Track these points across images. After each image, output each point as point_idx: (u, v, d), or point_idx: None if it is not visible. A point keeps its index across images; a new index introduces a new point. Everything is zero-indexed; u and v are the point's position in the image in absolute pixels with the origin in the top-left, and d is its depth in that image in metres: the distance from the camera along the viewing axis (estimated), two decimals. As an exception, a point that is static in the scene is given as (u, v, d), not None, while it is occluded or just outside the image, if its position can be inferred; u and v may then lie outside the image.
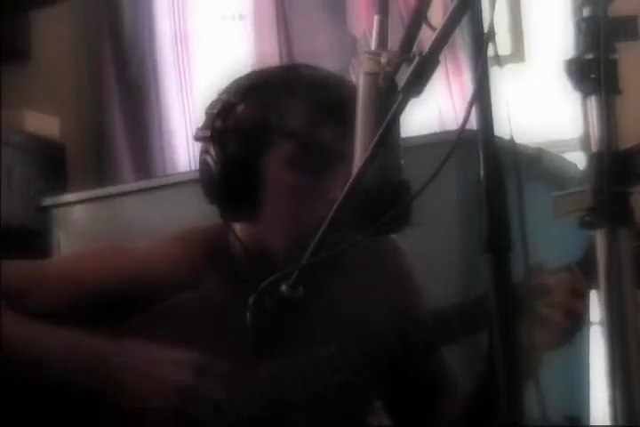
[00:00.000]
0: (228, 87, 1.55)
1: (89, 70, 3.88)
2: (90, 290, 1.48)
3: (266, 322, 1.25)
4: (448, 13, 1.07)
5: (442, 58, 1.09)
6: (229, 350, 1.42)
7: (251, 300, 1.24)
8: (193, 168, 3.47)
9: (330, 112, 1.46)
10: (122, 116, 3.77)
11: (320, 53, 3.35)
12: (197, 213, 1.54)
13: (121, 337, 1.44)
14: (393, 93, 1.11)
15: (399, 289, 1.64)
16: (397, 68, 1.11)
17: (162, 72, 3.74)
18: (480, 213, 1.00)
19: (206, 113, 1.53)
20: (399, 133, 1.14)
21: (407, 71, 1.08)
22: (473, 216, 1.01)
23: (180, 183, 2.87)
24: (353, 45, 3.42)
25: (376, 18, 1.19)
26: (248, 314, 1.25)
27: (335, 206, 1.14)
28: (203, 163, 1.52)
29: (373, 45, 1.18)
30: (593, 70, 1.04)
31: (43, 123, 3.76)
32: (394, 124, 1.10)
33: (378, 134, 1.09)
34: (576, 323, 1.44)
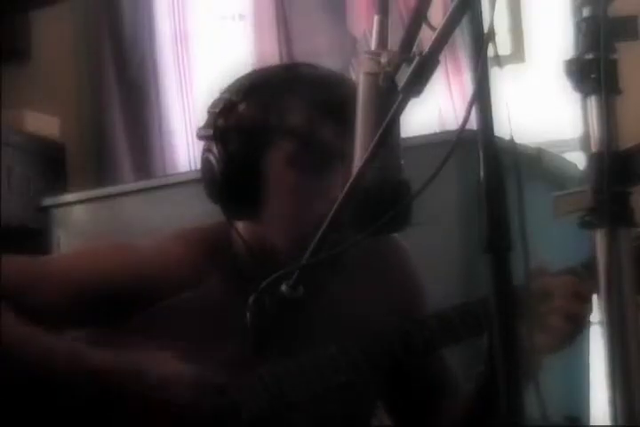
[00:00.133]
0: (229, 86, 1.55)
1: (89, 70, 3.88)
2: (90, 287, 1.48)
3: (266, 322, 1.25)
4: (448, 13, 1.07)
5: (442, 58, 1.09)
6: (230, 350, 1.43)
7: (251, 299, 1.24)
8: (193, 168, 3.48)
9: (330, 111, 1.46)
10: (122, 116, 3.77)
11: (320, 53, 3.35)
12: (197, 213, 1.54)
13: (122, 339, 1.44)
14: (393, 93, 1.11)
15: (400, 289, 1.64)
16: (397, 68, 1.11)
17: (162, 72, 3.74)
18: (480, 213, 1.00)
19: (208, 112, 1.53)
20: (399, 133, 1.14)
21: (407, 71, 1.08)
22: (473, 216, 1.01)
23: (180, 183, 2.87)
24: (353, 45, 3.42)
25: (376, 18, 1.19)
26: (248, 314, 1.25)
27: (335, 206, 1.14)
28: (205, 162, 1.52)
29: (373, 45, 1.18)
30: (593, 70, 1.04)
31: (43, 123, 3.77)
32: (394, 124, 1.10)
33: (378, 134, 1.09)
34: (577, 327, 1.44)
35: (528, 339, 1.22)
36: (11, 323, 1.39)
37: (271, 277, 1.21)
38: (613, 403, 1.01)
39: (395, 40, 1.16)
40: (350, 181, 1.12)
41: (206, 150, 1.52)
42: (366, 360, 1.48)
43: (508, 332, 0.98)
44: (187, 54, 3.73)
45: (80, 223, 3.11)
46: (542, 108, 3.19)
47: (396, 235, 1.57)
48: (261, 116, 1.49)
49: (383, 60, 1.14)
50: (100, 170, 3.79)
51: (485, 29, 1.03)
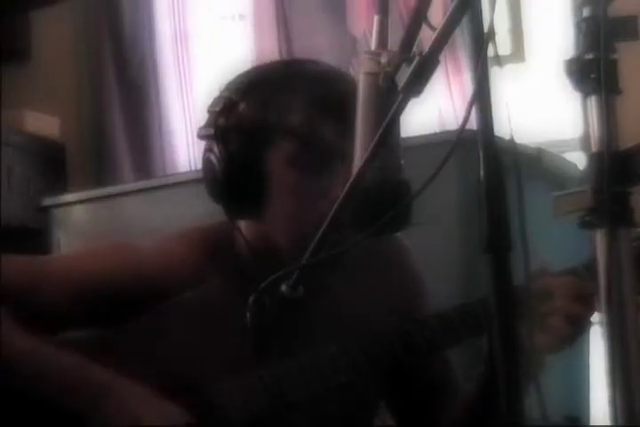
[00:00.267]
0: (229, 84, 1.54)
1: (89, 70, 3.88)
2: (90, 287, 1.48)
3: (266, 322, 1.25)
4: (448, 13, 1.07)
5: (442, 58, 1.09)
6: (231, 350, 1.43)
7: (251, 299, 1.24)
8: (193, 168, 3.48)
9: (331, 109, 1.45)
10: (122, 116, 3.77)
11: (320, 53, 3.35)
12: (198, 213, 1.54)
13: (122, 339, 1.44)
14: (393, 93, 1.10)
15: (401, 289, 1.64)
16: (397, 68, 1.11)
17: (162, 72, 3.74)
18: (480, 213, 1.00)
19: (208, 111, 1.53)
20: (399, 133, 1.14)
21: (407, 71, 1.08)
22: (473, 216, 1.01)
23: (180, 183, 2.87)
24: (353, 45, 3.42)
25: (376, 18, 1.19)
26: (248, 314, 1.25)
27: (335, 206, 1.14)
28: (206, 161, 1.51)
29: (373, 45, 1.18)
30: (593, 70, 1.04)
31: (43, 123, 3.77)
32: (394, 124, 1.10)
33: (378, 134, 1.09)
34: (578, 328, 1.44)
35: (528, 339, 1.22)
36: (10, 334, 1.39)
37: (271, 278, 1.21)
38: (613, 403, 1.01)
39: (395, 40, 1.16)
40: (350, 181, 1.12)
41: (207, 150, 1.52)
42: (366, 360, 1.48)
43: (508, 332, 0.97)
44: (187, 54, 3.73)
45: (80, 223, 3.11)
46: (542, 108, 3.19)
47: (398, 235, 1.57)
48: (262, 116, 1.49)
49: (383, 60, 1.14)
50: (100, 170, 3.79)
51: (485, 29, 1.03)
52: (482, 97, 1.01)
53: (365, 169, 1.11)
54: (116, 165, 3.75)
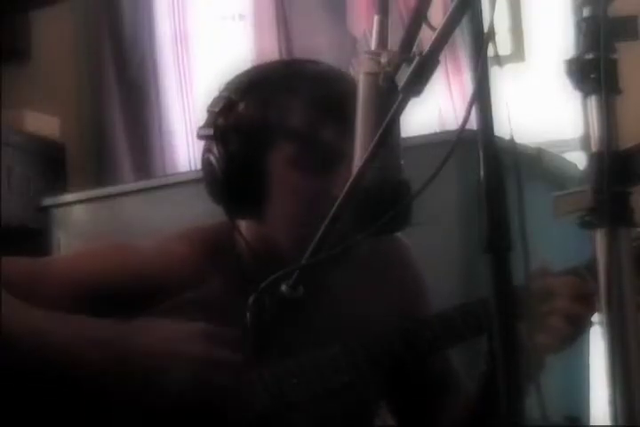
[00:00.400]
0: (228, 84, 1.54)
1: (89, 70, 3.88)
2: (91, 288, 1.48)
3: (266, 322, 1.25)
4: (448, 13, 1.07)
5: (442, 58, 1.09)
6: (231, 350, 1.42)
7: (251, 300, 1.24)
8: (193, 168, 3.48)
9: (331, 110, 1.45)
10: (122, 116, 3.77)
11: (320, 53, 3.35)
12: (198, 213, 1.53)
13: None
14: (393, 93, 1.10)
15: (402, 289, 1.64)
16: (397, 68, 1.11)
17: (162, 72, 3.74)
18: (480, 213, 1.00)
19: (208, 111, 1.52)
20: (399, 133, 1.14)
21: (407, 71, 1.08)
22: (473, 216, 1.01)
23: (180, 183, 2.87)
24: (353, 45, 3.42)
25: (376, 18, 1.19)
26: (248, 314, 1.25)
27: (335, 206, 1.14)
28: (206, 162, 1.51)
29: (373, 45, 1.18)
30: (593, 70, 1.04)
31: (43, 123, 3.77)
32: (394, 124, 1.10)
33: (378, 134, 1.09)
34: (579, 328, 1.44)
35: (528, 339, 1.22)
36: (10, 306, 1.38)
37: (271, 278, 1.21)
38: (613, 403, 1.01)
39: (395, 40, 1.16)
40: (350, 181, 1.12)
41: (207, 150, 1.52)
42: (367, 360, 1.48)
43: (508, 332, 0.97)
44: (187, 54, 3.73)
45: (80, 223, 3.12)
46: (542, 108, 3.19)
47: (398, 234, 1.57)
48: (261, 116, 1.49)
49: (383, 60, 1.14)
50: (100, 170, 3.79)
51: (485, 29, 1.03)
52: (482, 97, 1.01)
53: (365, 169, 1.11)
54: (116, 165, 3.75)
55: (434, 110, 3.24)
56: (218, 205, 1.52)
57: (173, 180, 2.99)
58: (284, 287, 1.21)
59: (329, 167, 1.46)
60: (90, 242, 2.93)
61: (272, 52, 3.49)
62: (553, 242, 2.11)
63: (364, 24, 3.36)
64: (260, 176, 1.48)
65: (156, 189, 2.98)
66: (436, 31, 1.08)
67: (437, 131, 2.96)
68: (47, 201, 3.19)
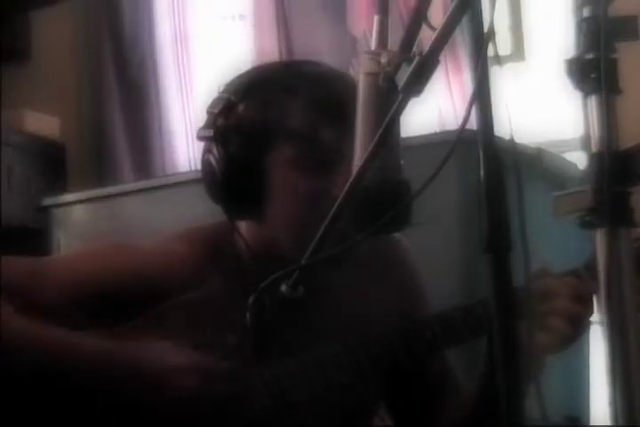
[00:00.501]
0: (228, 85, 1.54)
1: (89, 70, 3.89)
2: (91, 288, 1.48)
3: (266, 322, 1.25)
4: (448, 13, 1.07)
5: (442, 57, 1.09)
6: (231, 350, 1.42)
7: (250, 300, 1.24)
8: (193, 168, 3.48)
9: (331, 111, 1.45)
10: (122, 116, 3.77)
11: (320, 53, 3.35)
12: (198, 213, 1.53)
13: (123, 337, 1.44)
14: (393, 93, 1.10)
15: (401, 289, 1.64)
16: (397, 68, 1.11)
17: (162, 72, 3.74)
18: (480, 213, 1.00)
19: (208, 112, 1.52)
20: (399, 133, 1.14)
21: (407, 71, 1.08)
22: (473, 216, 1.01)
23: (180, 183, 2.87)
24: (353, 45, 3.42)
25: (376, 18, 1.19)
26: (248, 314, 1.25)
27: (335, 206, 1.14)
28: (206, 163, 1.51)
29: (373, 45, 1.18)
30: (593, 70, 1.04)
31: (43, 123, 3.77)
32: (394, 124, 1.10)
33: (378, 134, 1.09)
34: (579, 328, 1.44)
35: (528, 339, 1.22)
36: (9, 313, 1.38)
37: (271, 278, 1.21)
38: (613, 403, 1.01)
39: (395, 40, 1.16)
40: (350, 181, 1.12)
41: (207, 151, 1.51)
42: (367, 360, 1.48)
43: (508, 332, 0.97)
44: (187, 54, 3.73)
45: (80, 223, 3.12)
46: (542, 108, 3.19)
47: (397, 234, 1.57)
48: (261, 118, 1.49)
49: (383, 60, 1.14)
50: (100, 170, 3.79)
51: (485, 29, 1.03)
52: (482, 97, 1.01)
53: (365, 169, 1.11)
54: (116, 165, 3.76)
55: (434, 110, 3.24)
56: (217, 206, 1.51)
57: (173, 180, 2.99)
58: (283, 287, 1.21)
59: (329, 167, 1.46)
60: (90, 242, 2.93)
61: (272, 52, 3.49)
62: (553, 242, 2.11)
63: (364, 24, 3.36)
64: (259, 177, 1.48)
65: (156, 189, 2.98)
66: (436, 31, 1.08)
67: (437, 131, 2.96)
68: (47, 201, 3.19)
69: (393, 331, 1.50)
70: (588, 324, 1.45)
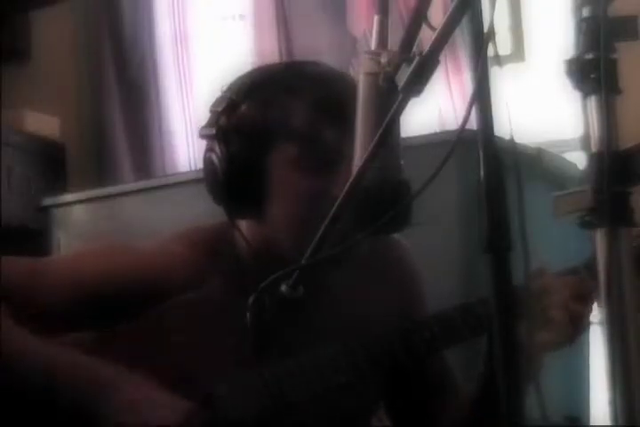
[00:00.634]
0: (231, 84, 1.54)
1: (89, 70, 3.89)
2: (91, 288, 1.48)
3: (266, 322, 1.25)
4: (448, 13, 1.07)
5: (442, 58, 1.09)
6: (232, 350, 1.42)
7: (250, 300, 1.24)
8: (193, 168, 3.48)
9: (332, 111, 1.45)
10: (122, 116, 3.77)
11: (320, 53, 3.35)
12: (198, 213, 1.54)
13: (123, 337, 1.44)
14: (393, 93, 1.10)
15: (400, 289, 1.64)
16: (397, 68, 1.11)
17: (162, 72, 3.74)
18: (480, 213, 1.00)
19: (210, 111, 1.52)
20: (399, 133, 1.14)
21: (407, 71, 1.08)
22: (473, 216, 1.01)
23: (180, 183, 2.87)
24: (353, 45, 3.42)
25: (376, 18, 1.19)
26: (248, 314, 1.25)
27: (335, 206, 1.14)
28: (208, 161, 1.51)
29: (373, 45, 1.18)
30: (593, 70, 1.04)
31: (43, 123, 3.77)
32: (394, 124, 1.10)
33: (378, 134, 1.09)
34: (578, 327, 1.44)
35: (528, 339, 1.22)
36: (10, 332, 1.38)
37: (271, 278, 1.21)
38: (613, 403, 1.01)
39: (395, 40, 1.16)
40: (350, 181, 1.12)
41: (209, 150, 1.51)
42: (367, 360, 1.48)
43: (508, 332, 0.97)
44: (187, 54, 3.73)
45: (80, 223, 3.12)
46: (542, 108, 3.19)
47: (396, 235, 1.57)
48: (263, 118, 1.49)
49: (383, 60, 1.14)
50: (100, 170, 3.79)
51: (485, 29, 1.03)
52: (482, 97, 1.01)
53: (365, 169, 1.11)
54: (116, 165, 3.76)
55: (434, 110, 3.24)
56: (218, 205, 1.52)
57: (173, 180, 2.99)
58: (283, 287, 1.21)
59: (330, 167, 1.46)
60: (90, 242, 2.93)
61: (272, 53, 3.49)
62: (553, 242, 2.11)
63: (364, 24, 3.36)
64: (261, 176, 1.48)
65: (156, 189, 2.98)
66: (436, 31, 1.08)
67: (437, 131, 2.96)
68: (47, 201, 3.19)
69: (393, 331, 1.50)
70: (588, 323, 1.45)
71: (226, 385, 1.44)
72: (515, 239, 0.99)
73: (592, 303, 1.44)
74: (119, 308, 1.47)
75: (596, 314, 1.44)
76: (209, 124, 1.51)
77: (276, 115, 1.49)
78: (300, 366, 1.47)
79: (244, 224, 1.54)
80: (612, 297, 1.03)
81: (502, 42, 3.26)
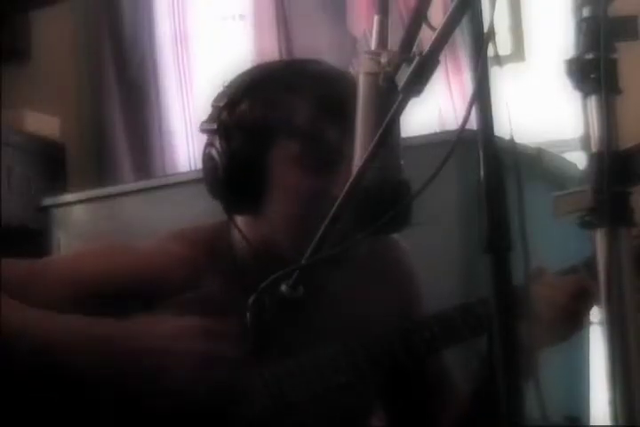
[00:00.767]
0: (232, 81, 1.54)
1: (89, 70, 3.89)
2: (90, 288, 1.48)
3: (266, 322, 1.25)
4: (448, 13, 1.07)
5: (442, 58, 1.09)
6: (230, 350, 1.42)
7: (250, 300, 1.24)
8: (193, 168, 3.47)
9: (334, 109, 1.45)
10: (122, 116, 3.77)
11: (320, 53, 3.35)
12: (198, 213, 1.54)
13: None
14: (393, 93, 1.11)
15: (400, 289, 1.64)
16: (397, 68, 1.11)
17: (162, 72, 3.74)
18: (480, 213, 1.00)
19: (212, 106, 1.52)
20: (399, 133, 1.14)
21: (407, 71, 1.08)
22: (473, 216, 1.01)
23: (180, 183, 2.87)
24: (353, 45, 3.42)
25: (376, 18, 1.19)
26: (248, 314, 1.25)
27: (335, 206, 1.14)
28: (207, 156, 1.51)
29: (373, 45, 1.18)
30: (593, 70, 1.04)
31: (43, 123, 3.77)
32: (394, 124, 1.10)
33: (378, 134, 1.09)
34: (576, 325, 1.45)
35: (528, 339, 1.22)
36: (8, 307, 1.38)
37: (271, 278, 1.21)
38: (613, 403, 1.01)
39: (395, 40, 1.16)
40: (350, 180, 1.12)
41: (209, 144, 1.51)
42: (367, 361, 1.48)
43: (508, 332, 0.97)
44: (187, 54, 3.73)
45: (80, 223, 3.12)
46: (542, 108, 3.19)
47: (395, 235, 1.57)
48: (264, 115, 1.49)
49: (383, 60, 1.14)
50: (100, 170, 3.79)
51: (485, 29, 1.03)
52: (482, 97, 1.01)
53: (365, 169, 1.11)
54: (116, 165, 3.76)
55: (434, 110, 3.24)
56: (216, 201, 1.51)
57: (173, 180, 2.99)
58: (283, 287, 1.21)
59: (330, 167, 1.46)
60: (90, 242, 2.93)
61: (272, 52, 3.49)
62: (553, 242, 2.11)
63: (364, 24, 3.36)
64: (261, 172, 1.48)
65: (156, 189, 2.98)
66: (436, 31, 1.08)
67: (437, 131, 2.95)
68: (47, 201, 3.19)
69: (393, 331, 1.50)
70: (586, 320, 1.45)
71: (226, 386, 1.44)
72: (515, 239, 0.99)
73: (589, 301, 1.44)
74: (119, 308, 1.47)
75: (596, 314, 1.44)
76: (210, 119, 1.51)
77: (278, 111, 1.49)
78: (300, 366, 1.47)
79: (241, 222, 1.53)
80: (612, 297, 1.03)
81: (502, 42, 3.26)
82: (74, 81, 3.91)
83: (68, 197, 3.19)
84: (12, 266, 1.47)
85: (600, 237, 1.04)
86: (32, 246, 3.11)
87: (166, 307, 1.48)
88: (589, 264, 1.42)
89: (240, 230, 1.52)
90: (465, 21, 1.05)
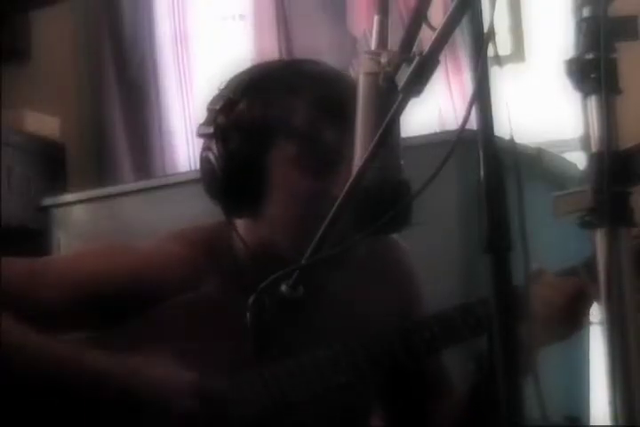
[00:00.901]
0: (229, 82, 1.54)
1: (89, 70, 3.88)
2: (90, 288, 1.48)
3: (266, 322, 1.25)
4: (448, 13, 1.07)
5: (442, 58, 1.09)
6: (231, 350, 1.42)
7: (250, 300, 1.24)
8: (193, 168, 3.47)
9: (332, 110, 1.45)
10: (122, 116, 3.77)
11: (320, 53, 3.35)
12: (197, 213, 1.53)
13: (122, 342, 1.44)
14: (393, 93, 1.10)
15: (399, 290, 1.64)
16: (397, 68, 1.11)
17: (162, 72, 3.74)
18: (480, 213, 1.00)
19: (208, 109, 1.52)
20: (399, 133, 1.14)
21: (407, 71, 1.08)
22: (473, 216, 1.01)
23: (180, 183, 2.87)
24: (353, 45, 3.42)
25: (376, 18, 1.19)
26: (248, 314, 1.25)
27: (335, 206, 1.14)
28: (204, 159, 1.51)
29: (373, 45, 1.18)
30: (593, 70, 1.04)
31: (43, 123, 3.77)
32: (394, 124, 1.10)
33: (378, 134, 1.09)
34: (575, 326, 1.45)
35: (527, 339, 1.22)
36: (10, 325, 1.38)
37: (271, 278, 1.21)
38: (613, 403, 1.01)
39: (395, 40, 1.16)
40: (350, 181, 1.12)
41: (206, 148, 1.51)
42: (367, 361, 1.48)
43: (508, 332, 0.97)
44: (187, 54, 3.73)
45: (80, 223, 3.12)
46: (542, 108, 3.19)
47: (395, 235, 1.57)
48: (263, 116, 1.49)
49: (383, 60, 1.14)
50: (100, 170, 3.79)
51: (485, 29, 1.03)
52: (482, 97, 1.01)
53: (365, 169, 1.11)
54: (116, 165, 3.75)
55: (434, 110, 3.24)
56: (215, 204, 1.51)
57: (173, 180, 2.99)
58: (283, 287, 1.21)
59: (330, 167, 1.46)
60: (90, 242, 2.93)
61: (272, 52, 3.48)
62: (553, 242, 2.11)
63: (364, 24, 3.36)
64: (259, 175, 1.48)
65: (156, 189, 2.99)
66: (436, 31, 1.08)
67: (437, 131, 2.95)
68: (47, 201, 3.19)
69: (393, 331, 1.50)
70: (585, 321, 1.45)
71: (226, 386, 1.44)
72: (515, 239, 0.99)
73: (588, 301, 1.44)
74: (119, 308, 1.47)
75: (596, 314, 1.44)
76: (206, 123, 1.51)
77: (275, 112, 1.49)
78: (300, 366, 1.47)
79: (241, 223, 1.53)
80: (612, 297, 1.03)
81: (502, 42, 3.26)
82: (74, 81, 3.91)
83: (68, 197, 3.19)
84: (13, 265, 1.47)
85: (600, 238, 1.04)
86: (32, 246, 3.11)
87: (166, 307, 1.48)
88: (589, 264, 1.42)
89: (238, 234, 1.52)
90: (465, 21, 1.05)
